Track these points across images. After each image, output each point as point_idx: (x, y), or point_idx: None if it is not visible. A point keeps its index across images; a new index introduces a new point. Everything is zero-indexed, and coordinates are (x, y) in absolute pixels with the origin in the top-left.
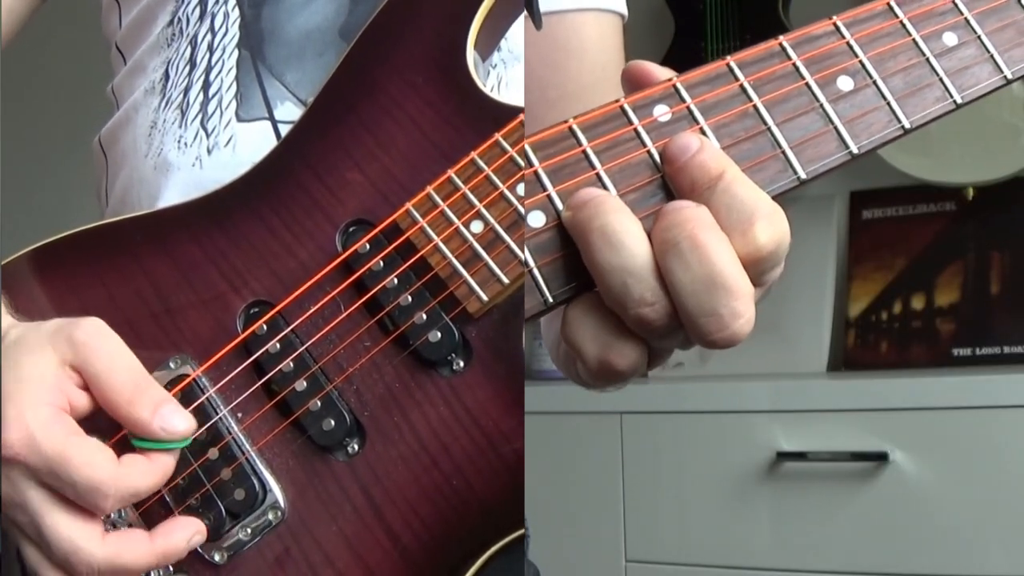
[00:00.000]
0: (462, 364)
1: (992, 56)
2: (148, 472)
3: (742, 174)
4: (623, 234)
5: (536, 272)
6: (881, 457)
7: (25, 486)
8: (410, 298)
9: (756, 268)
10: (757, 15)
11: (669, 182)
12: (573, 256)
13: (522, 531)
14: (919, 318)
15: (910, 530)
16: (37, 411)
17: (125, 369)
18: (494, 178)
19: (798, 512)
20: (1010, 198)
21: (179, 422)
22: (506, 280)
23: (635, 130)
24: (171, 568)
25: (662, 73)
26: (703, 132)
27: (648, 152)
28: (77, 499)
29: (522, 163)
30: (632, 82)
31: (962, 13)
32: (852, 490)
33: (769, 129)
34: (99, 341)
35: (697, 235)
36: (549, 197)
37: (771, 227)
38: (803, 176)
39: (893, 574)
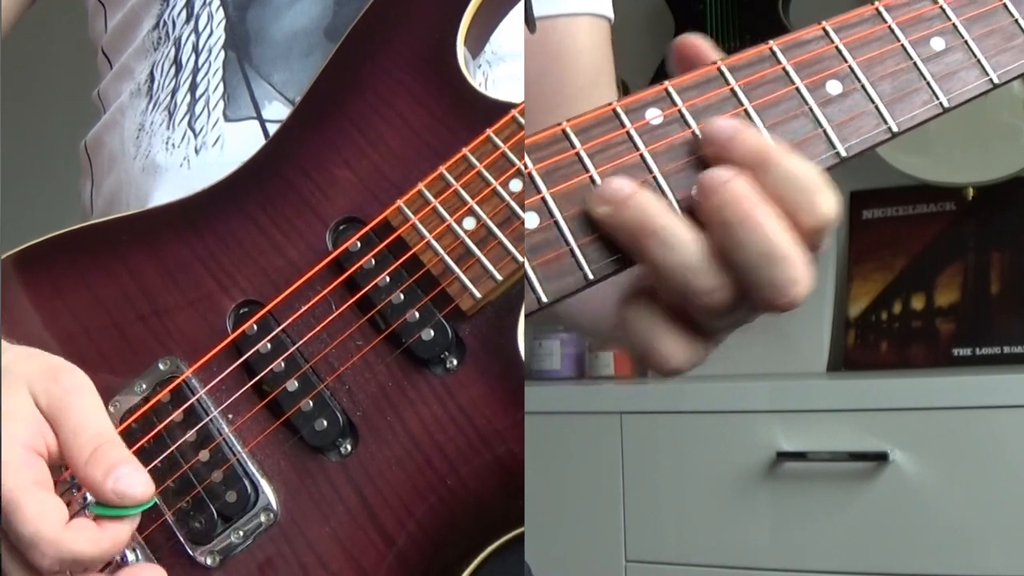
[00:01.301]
0: (455, 362)
1: (979, 61)
2: (92, 540)
3: (788, 149)
4: (677, 236)
5: (531, 272)
6: (881, 457)
7: None
8: (402, 296)
9: (818, 237)
10: (757, 16)
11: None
12: (565, 257)
13: (518, 531)
14: (919, 318)
15: (910, 530)
16: (11, 450)
17: (92, 429)
18: (486, 174)
19: (798, 512)
20: (1010, 198)
21: (134, 485)
22: (499, 277)
23: (627, 133)
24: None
25: (711, 53)
26: (694, 135)
27: (641, 155)
28: (20, 549)
29: (515, 160)
30: (683, 59)
31: (950, 19)
32: (852, 490)
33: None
34: (73, 397)
35: (752, 213)
36: (543, 199)
37: (831, 197)
38: None
39: (893, 574)
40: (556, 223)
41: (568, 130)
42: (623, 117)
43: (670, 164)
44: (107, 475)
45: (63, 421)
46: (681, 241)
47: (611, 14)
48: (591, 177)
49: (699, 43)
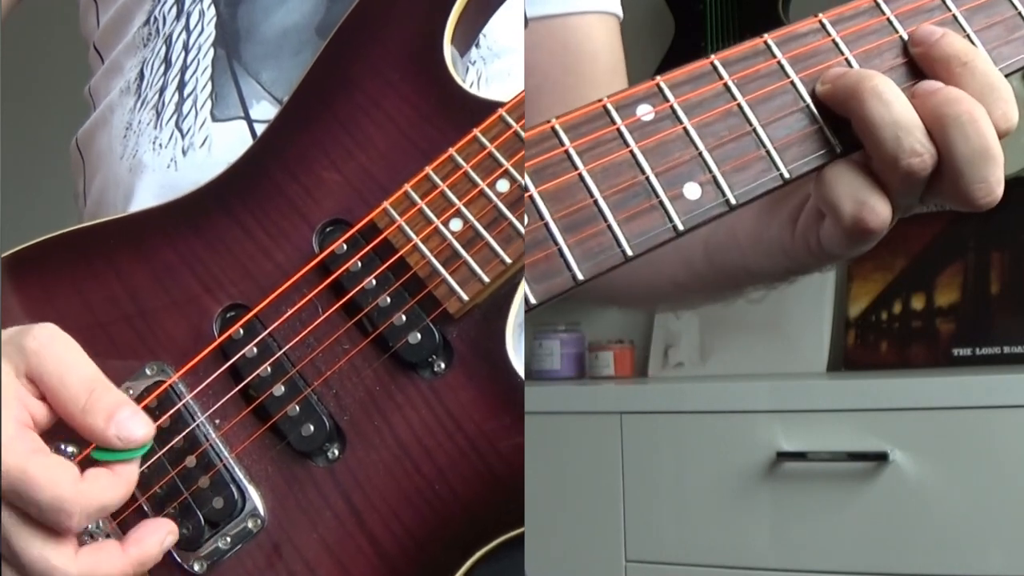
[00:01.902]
0: (443, 366)
1: None
2: (112, 486)
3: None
4: (892, 92)
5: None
6: (881, 457)
7: None
8: (389, 299)
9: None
10: (757, 15)
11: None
12: (553, 257)
13: (509, 535)
14: (919, 318)
15: (910, 530)
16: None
17: (78, 375)
18: (473, 175)
19: (798, 512)
20: (1010, 198)
21: (136, 428)
22: (486, 279)
23: (618, 130)
24: None
25: None
26: (687, 132)
27: (631, 152)
28: (41, 518)
29: (503, 160)
30: None
31: (950, 9)
32: (852, 490)
33: (754, 129)
34: (50, 348)
35: (974, 112)
36: (531, 198)
37: (1016, 107)
38: (787, 176)
39: (893, 574)
40: (545, 223)
41: (557, 127)
42: (613, 114)
43: (661, 161)
44: (108, 421)
45: (47, 374)
46: (896, 99)
47: (620, 12)
48: (580, 175)
49: None
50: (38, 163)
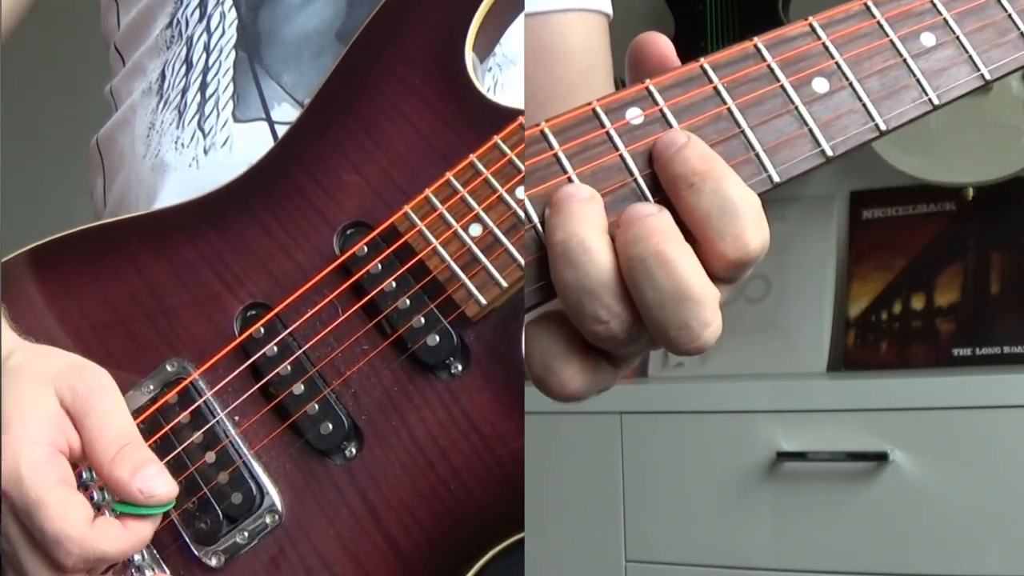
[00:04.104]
0: (460, 368)
1: (970, 57)
2: (118, 539)
3: (731, 171)
4: (582, 253)
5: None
6: (881, 457)
7: (9, 519)
8: (408, 301)
9: (741, 270)
10: (757, 16)
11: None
12: (543, 261)
13: (520, 535)
14: (919, 318)
15: (910, 530)
16: (33, 449)
17: (116, 428)
18: (493, 181)
19: (798, 512)
20: (1010, 198)
21: (159, 486)
22: (505, 284)
23: (607, 133)
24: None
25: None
26: None
27: (620, 156)
28: (44, 548)
29: (522, 167)
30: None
31: (940, 13)
32: (852, 490)
33: (743, 132)
34: (98, 396)
35: (664, 250)
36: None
37: (761, 229)
38: (776, 179)
39: (893, 574)
40: (534, 226)
41: (547, 131)
42: (603, 117)
43: (650, 164)
44: (133, 474)
45: (88, 419)
46: (583, 262)
47: (608, 9)
48: (569, 178)
49: (659, 41)
50: (41, 163)
